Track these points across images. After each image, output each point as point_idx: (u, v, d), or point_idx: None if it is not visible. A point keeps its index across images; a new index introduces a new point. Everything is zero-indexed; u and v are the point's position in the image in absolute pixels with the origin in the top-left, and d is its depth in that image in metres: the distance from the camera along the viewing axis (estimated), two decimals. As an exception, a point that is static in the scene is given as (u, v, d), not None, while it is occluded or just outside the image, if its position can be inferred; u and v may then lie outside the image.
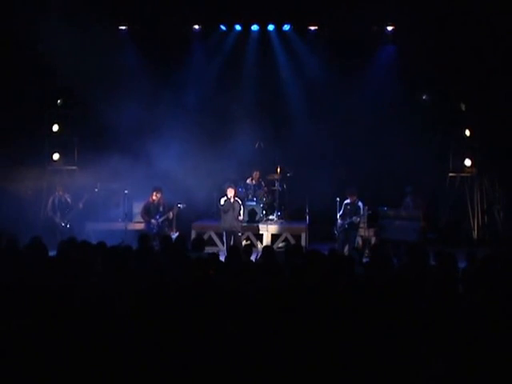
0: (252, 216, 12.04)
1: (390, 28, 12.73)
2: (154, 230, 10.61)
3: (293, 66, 13.31)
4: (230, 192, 10.58)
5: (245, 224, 11.30)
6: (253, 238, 11.86)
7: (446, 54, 11.93)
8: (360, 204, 10.85)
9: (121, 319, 4.25)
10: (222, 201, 10.65)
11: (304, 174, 12.52)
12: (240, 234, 10.81)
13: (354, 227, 10.87)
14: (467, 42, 11.66)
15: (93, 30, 11.70)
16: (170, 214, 10.87)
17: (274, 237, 12.00)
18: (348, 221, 10.76)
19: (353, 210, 10.78)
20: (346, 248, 10.75)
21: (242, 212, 10.84)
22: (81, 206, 11.40)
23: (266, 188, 12.57)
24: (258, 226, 11.94)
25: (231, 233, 10.73)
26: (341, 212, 10.94)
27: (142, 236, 7.40)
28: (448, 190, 12.63)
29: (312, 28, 12.99)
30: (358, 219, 10.78)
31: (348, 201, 10.87)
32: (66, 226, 11.21)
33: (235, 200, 10.66)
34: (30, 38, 11.11)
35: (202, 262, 5.91)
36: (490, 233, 12.36)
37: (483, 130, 12.13)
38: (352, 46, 12.63)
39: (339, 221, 10.89)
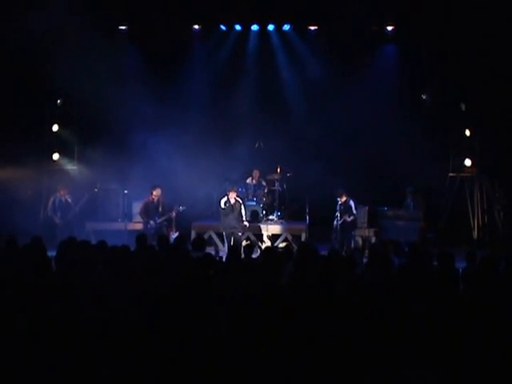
0: (252, 216, 12.01)
1: (390, 28, 12.74)
2: (152, 231, 10.52)
3: (293, 66, 13.31)
4: (232, 195, 10.57)
5: (246, 223, 11.27)
6: (253, 238, 11.84)
7: (446, 54, 11.93)
8: (351, 203, 11.08)
9: (121, 319, 4.25)
10: (223, 203, 10.62)
11: (304, 174, 12.51)
12: (240, 234, 10.79)
13: (348, 227, 11.02)
14: (467, 42, 11.66)
15: (93, 30, 11.70)
16: (173, 214, 10.85)
17: (274, 237, 12.00)
18: (341, 220, 10.96)
19: (345, 209, 11.03)
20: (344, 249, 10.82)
21: (244, 212, 10.81)
22: (77, 209, 11.44)
23: (266, 188, 12.56)
24: (258, 226, 11.93)
25: (231, 234, 10.72)
26: (336, 213, 11.09)
27: (139, 236, 7.38)
28: (448, 190, 12.62)
29: (312, 28, 13.00)
30: (352, 218, 10.98)
31: (339, 202, 11.09)
32: (65, 226, 11.21)
33: (236, 201, 10.64)
34: (30, 38, 11.09)
35: (202, 262, 5.90)
36: (490, 233, 12.34)
37: (483, 130, 12.12)
38: (352, 45, 12.64)
39: (335, 222, 11.03)
